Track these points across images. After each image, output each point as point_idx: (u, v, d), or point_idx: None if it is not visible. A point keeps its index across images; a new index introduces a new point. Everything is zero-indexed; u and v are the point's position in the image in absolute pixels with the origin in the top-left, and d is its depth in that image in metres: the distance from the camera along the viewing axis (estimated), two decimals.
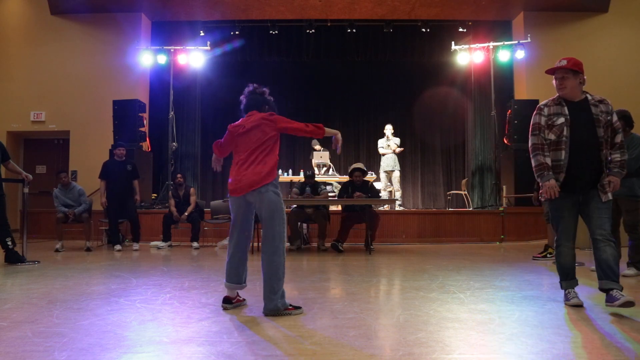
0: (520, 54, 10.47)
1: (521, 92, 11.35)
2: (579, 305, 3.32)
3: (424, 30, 11.75)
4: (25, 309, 3.30)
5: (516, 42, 10.56)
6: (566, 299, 3.44)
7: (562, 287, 3.53)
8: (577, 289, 3.50)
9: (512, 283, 4.33)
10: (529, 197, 9.30)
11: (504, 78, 11.60)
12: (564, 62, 3.43)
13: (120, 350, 2.38)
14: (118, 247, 7.62)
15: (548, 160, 3.44)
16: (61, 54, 11.24)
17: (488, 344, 2.48)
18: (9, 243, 5.85)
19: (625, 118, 4.76)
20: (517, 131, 9.57)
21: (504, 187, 9.90)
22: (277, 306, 3.13)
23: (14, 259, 5.85)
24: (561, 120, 3.41)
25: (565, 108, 3.44)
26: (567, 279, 3.50)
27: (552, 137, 3.44)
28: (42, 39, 11.32)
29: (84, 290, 3.96)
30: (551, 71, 3.54)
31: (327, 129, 3.44)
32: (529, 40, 10.46)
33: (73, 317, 3.05)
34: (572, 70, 3.43)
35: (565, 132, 3.38)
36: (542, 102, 3.59)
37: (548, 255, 6.14)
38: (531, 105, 9.84)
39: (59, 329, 2.77)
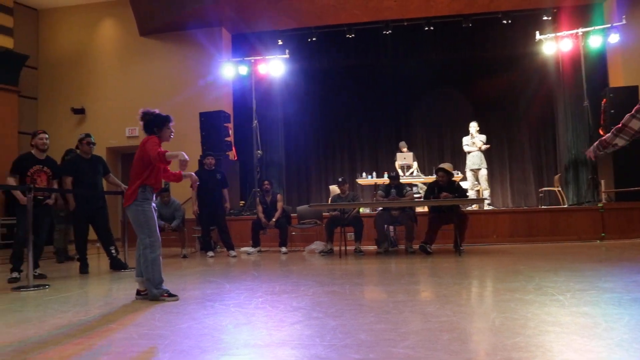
0: (614, 38, 9.73)
1: (617, 79, 10.59)
2: None
3: (505, 21, 11.30)
4: (130, 312, 3.53)
5: (609, 25, 9.84)
6: None
7: None
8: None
9: (618, 284, 4.02)
10: (632, 192, 8.66)
11: (596, 65, 10.89)
12: None
13: (218, 353, 2.47)
14: (211, 253, 7.95)
15: None
16: (150, 72, 12.02)
17: (595, 349, 2.32)
18: (113, 251, 6.34)
19: None
20: (614, 121, 8.86)
21: (602, 182, 9.27)
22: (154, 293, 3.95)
23: (117, 265, 6.32)
24: None
25: None
26: None
27: None
28: (132, 59, 12.23)
29: (182, 295, 4.14)
30: None
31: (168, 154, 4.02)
32: (623, 22, 9.72)
33: (173, 321, 3.21)
34: None
35: None
36: None
37: None
38: (629, 92, 9.20)
39: (161, 332, 2.93)
